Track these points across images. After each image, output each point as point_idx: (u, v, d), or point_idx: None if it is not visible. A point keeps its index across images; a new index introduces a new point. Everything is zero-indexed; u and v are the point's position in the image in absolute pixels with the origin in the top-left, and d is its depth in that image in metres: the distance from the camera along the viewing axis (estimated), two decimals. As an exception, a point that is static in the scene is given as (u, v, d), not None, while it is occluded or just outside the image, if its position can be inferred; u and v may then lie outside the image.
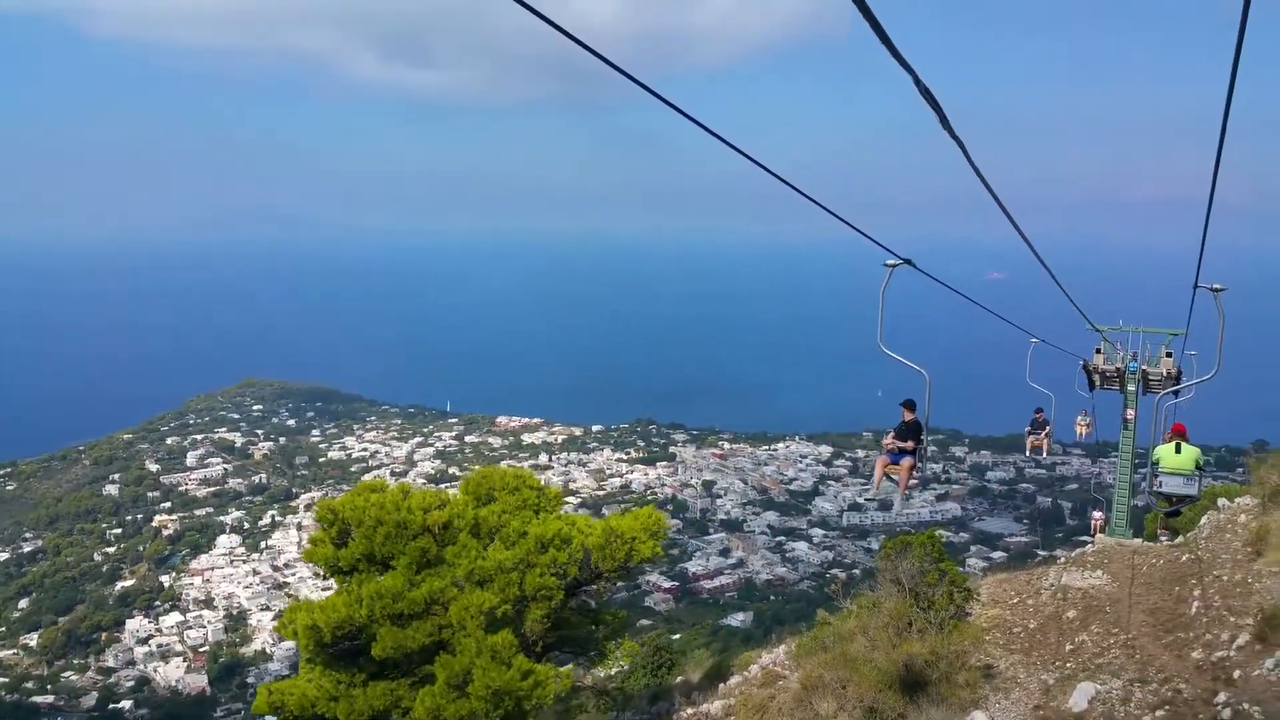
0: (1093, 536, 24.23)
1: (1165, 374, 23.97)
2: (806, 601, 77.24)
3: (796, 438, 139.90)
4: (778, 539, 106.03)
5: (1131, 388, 23.78)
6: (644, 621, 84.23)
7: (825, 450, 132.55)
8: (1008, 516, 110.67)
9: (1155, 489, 19.22)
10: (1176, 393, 23.16)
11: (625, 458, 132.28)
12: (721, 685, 17.61)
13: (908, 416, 16.12)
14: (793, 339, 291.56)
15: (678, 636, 78.65)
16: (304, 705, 13.61)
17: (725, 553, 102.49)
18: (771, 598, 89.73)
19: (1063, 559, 19.86)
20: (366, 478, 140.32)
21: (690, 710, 17.16)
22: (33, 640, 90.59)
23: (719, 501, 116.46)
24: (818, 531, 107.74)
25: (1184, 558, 16.73)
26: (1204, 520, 18.36)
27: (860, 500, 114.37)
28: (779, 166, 6.91)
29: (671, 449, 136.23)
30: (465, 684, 13.20)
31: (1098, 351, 24.56)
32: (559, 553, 14.94)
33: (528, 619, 14.67)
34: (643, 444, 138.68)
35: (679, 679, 21.43)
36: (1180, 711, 12.21)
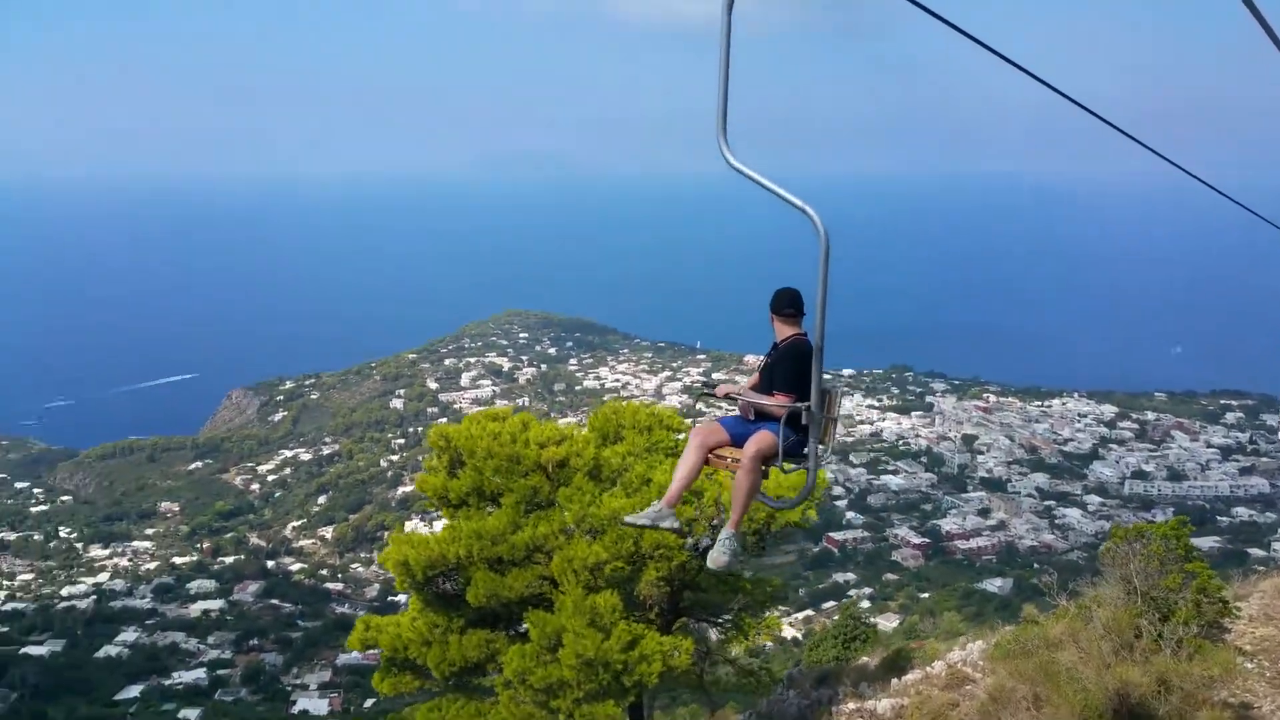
0: None
1: None
2: (1074, 573, 69.91)
3: (1075, 394, 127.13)
4: (1046, 503, 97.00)
5: None
6: (889, 576, 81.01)
7: (1108, 410, 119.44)
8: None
9: None
10: None
11: (877, 405, 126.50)
12: (895, 680, 14.87)
13: (787, 332, 7.06)
14: (1080, 284, 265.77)
15: (926, 596, 74.58)
16: (395, 647, 12.60)
17: (984, 513, 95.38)
18: (1034, 565, 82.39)
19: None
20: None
21: (854, 705, 14.62)
22: (328, 533, 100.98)
23: (980, 458, 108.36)
24: (1094, 499, 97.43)
25: None
26: None
27: (1145, 468, 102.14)
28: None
29: (929, 398, 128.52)
30: (557, 647, 11.59)
31: None
32: (685, 506, 12.82)
33: (642, 579, 12.78)
34: (897, 391, 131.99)
35: (863, 659, 18.84)
36: None
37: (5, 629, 74.48)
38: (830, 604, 71.85)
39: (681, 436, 14.75)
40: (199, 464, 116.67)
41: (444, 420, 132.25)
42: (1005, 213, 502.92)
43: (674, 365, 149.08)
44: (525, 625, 12.13)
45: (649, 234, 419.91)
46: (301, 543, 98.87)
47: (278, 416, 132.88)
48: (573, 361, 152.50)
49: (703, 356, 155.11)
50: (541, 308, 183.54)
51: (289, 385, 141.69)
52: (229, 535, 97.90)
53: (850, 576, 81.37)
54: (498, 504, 13.04)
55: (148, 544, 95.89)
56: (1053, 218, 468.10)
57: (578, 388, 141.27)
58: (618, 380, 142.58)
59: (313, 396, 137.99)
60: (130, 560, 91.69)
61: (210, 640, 75.34)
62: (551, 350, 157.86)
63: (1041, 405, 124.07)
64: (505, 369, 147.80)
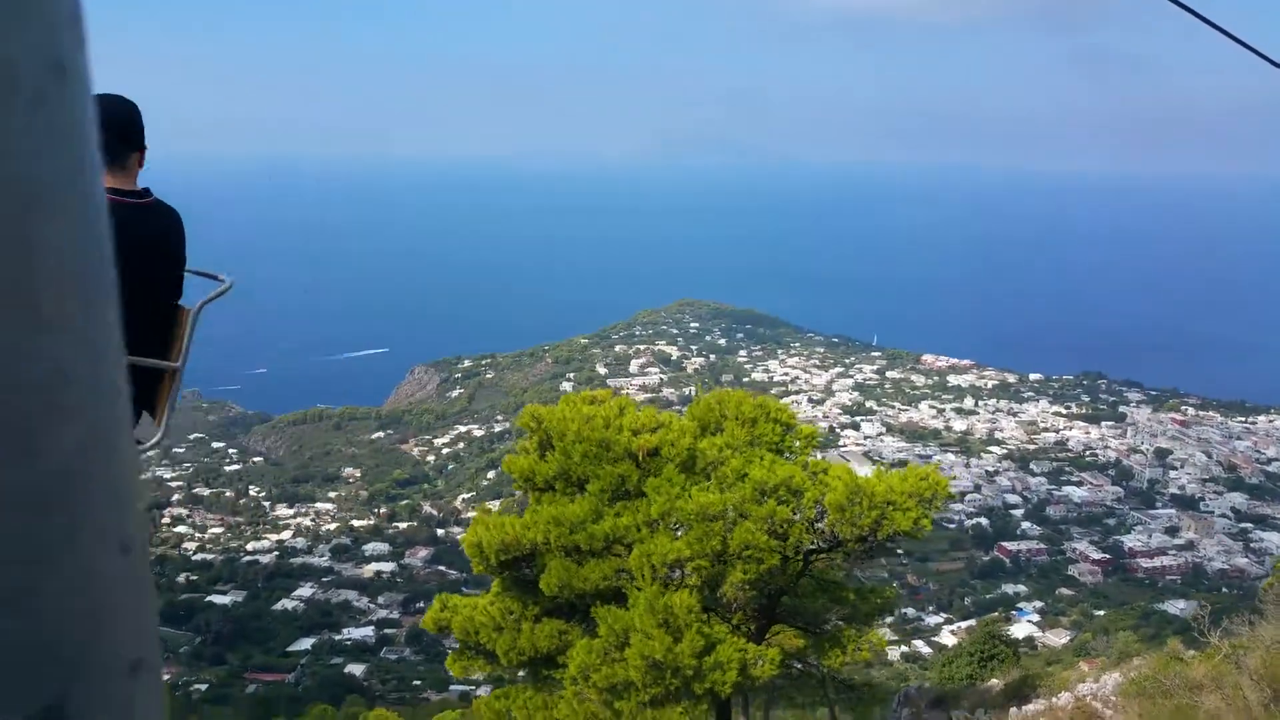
0: None
1: None
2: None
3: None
4: (1242, 525, 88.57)
5: None
6: (1063, 590, 77.13)
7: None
8: None
9: None
10: None
11: (1064, 412, 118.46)
12: (1015, 710, 13.33)
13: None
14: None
15: (1101, 613, 70.19)
16: (467, 631, 12.27)
17: (1172, 531, 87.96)
18: (1224, 589, 75.27)
19: None
20: (784, 400, 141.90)
21: (969, 732, 13.22)
22: (494, 506, 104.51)
23: (1172, 474, 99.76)
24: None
25: None
26: None
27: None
28: None
29: (1122, 408, 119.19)
30: (625, 646, 10.90)
31: None
32: (782, 507, 11.81)
33: (727, 581, 11.87)
34: (1087, 399, 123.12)
35: (992, 681, 17.14)
36: None
37: (195, 578, 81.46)
38: (994, 615, 68.57)
39: (791, 431, 13.68)
40: (380, 434, 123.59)
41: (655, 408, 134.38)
42: (1223, 216, 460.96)
43: (847, 361, 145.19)
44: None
45: (830, 224, 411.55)
46: (470, 514, 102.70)
47: (455, 393, 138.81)
48: (742, 353, 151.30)
49: (878, 354, 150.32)
50: (715, 298, 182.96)
51: (467, 364, 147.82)
52: (404, 503, 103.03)
53: (1021, 588, 77.80)
54: (585, 490, 12.47)
55: (329, 506, 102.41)
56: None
57: (745, 379, 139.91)
58: (786, 374, 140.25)
59: (488, 376, 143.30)
60: (312, 520, 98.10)
61: (380, 600, 79.61)
62: (721, 341, 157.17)
63: (1245, 421, 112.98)
64: (674, 358, 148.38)
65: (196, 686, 64.07)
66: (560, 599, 11.90)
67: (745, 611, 12.54)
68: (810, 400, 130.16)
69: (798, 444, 13.35)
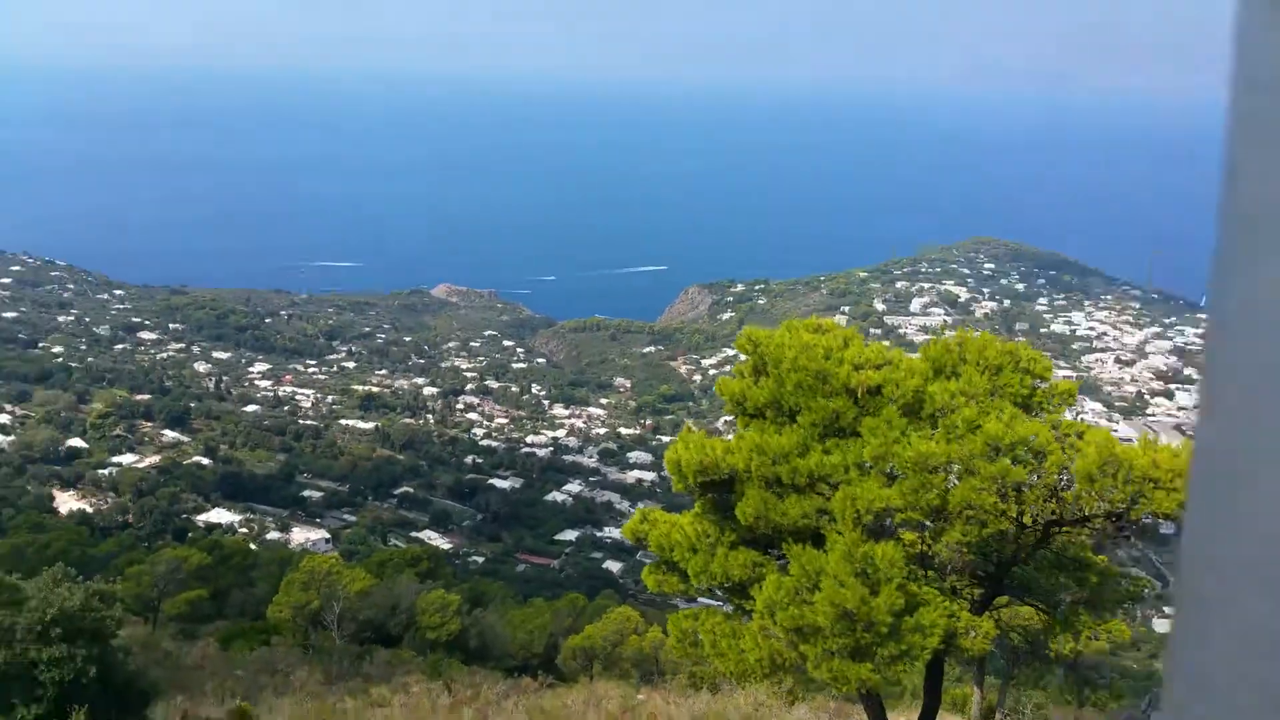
0: None
1: None
2: None
3: None
4: None
5: None
6: None
7: None
8: None
9: None
10: None
11: None
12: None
13: None
14: None
15: None
16: (661, 547, 12.03)
17: None
18: None
19: None
20: (1088, 358, 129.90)
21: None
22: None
23: None
24: None
25: None
26: None
27: None
28: None
29: None
30: (816, 589, 10.17)
31: None
32: (1017, 467, 10.41)
33: (941, 540, 10.72)
34: None
35: None
36: None
37: (480, 461, 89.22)
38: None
39: (1044, 385, 12.03)
40: (652, 349, 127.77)
41: (887, 344, 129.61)
42: None
43: (1166, 320, 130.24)
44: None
45: (1165, 168, 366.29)
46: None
47: (725, 315, 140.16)
48: (1041, 300, 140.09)
49: (1205, 316, 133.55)
50: (1015, 237, 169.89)
51: (739, 288, 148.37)
52: (668, 417, 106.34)
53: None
54: (795, 422, 11.70)
55: (600, 411, 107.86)
56: None
57: (1043, 330, 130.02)
58: (1091, 328, 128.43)
59: (760, 302, 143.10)
60: (584, 422, 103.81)
61: (641, 505, 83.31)
62: (1019, 286, 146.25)
63: None
64: (961, 299, 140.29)
65: (474, 559, 70.79)
66: (756, 530, 11.34)
67: (965, 576, 11.35)
68: (1118, 361, 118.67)
69: (1052, 400, 11.69)
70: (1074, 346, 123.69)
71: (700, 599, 16.50)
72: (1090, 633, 11.50)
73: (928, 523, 10.82)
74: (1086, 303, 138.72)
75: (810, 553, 10.45)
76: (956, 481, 10.68)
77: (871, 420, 11.18)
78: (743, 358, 12.81)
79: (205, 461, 78.66)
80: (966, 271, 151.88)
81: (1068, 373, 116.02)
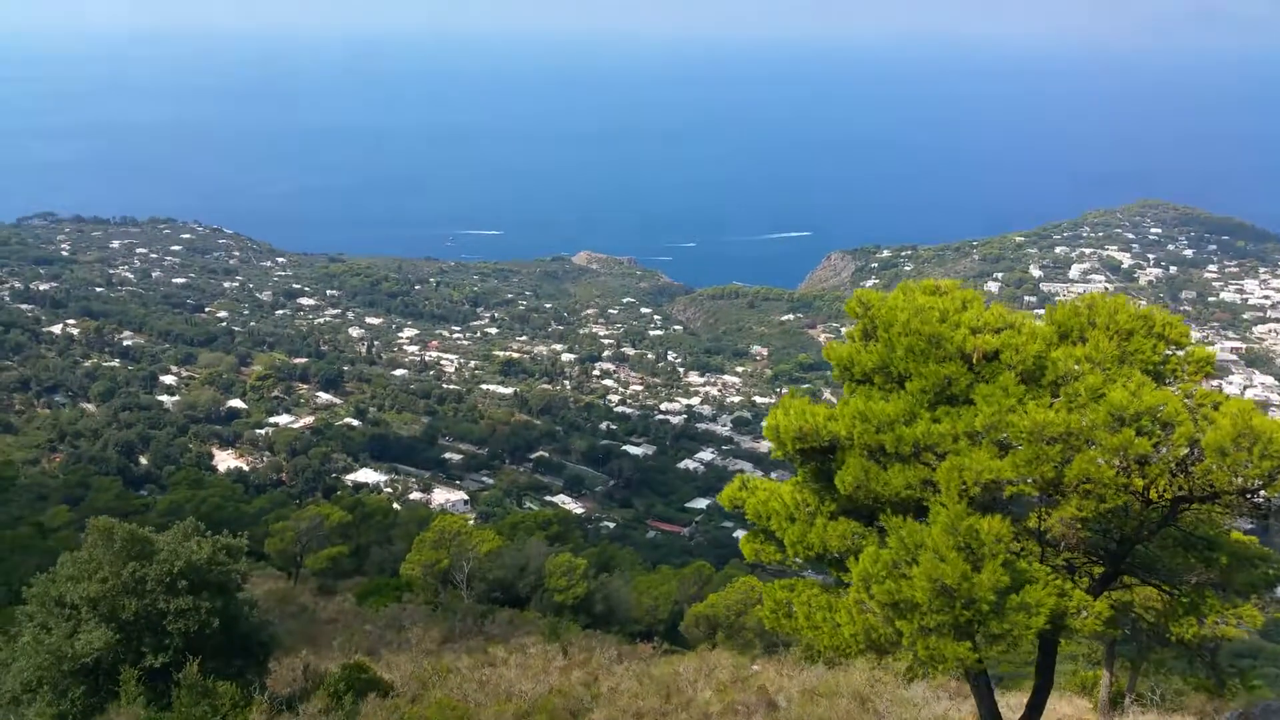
0: None
1: None
2: None
3: None
4: None
5: None
6: None
7: None
8: None
9: None
10: None
11: None
12: None
13: None
14: None
15: None
16: (758, 515, 11.75)
17: None
18: None
19: None
20: (1260, 329, 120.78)
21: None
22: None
23: None
24: None
25: None
26: None
27: None
28: None
29: None
30: (914, 563, 9.72)
31: None
32: (1142, 439, 9.63)
33: (1054, 514, 10.04)
34: None
35: None
36: None
37: (614, 427, 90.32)
38: None
39: (1180, 353, 11.07)
40: (790, 316, 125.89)
41: (1038, 314, 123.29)
42: None
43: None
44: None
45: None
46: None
47: (870, 282, 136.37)
48: (1212, 268, 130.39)
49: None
50: (1185, 201, 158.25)
51: (885, 254, 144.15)
52: (805, 386, 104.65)
53: None
54: (904, 388, 11.18)
55: (735, 379, 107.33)
56: None
57: (1211, 299, 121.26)
58: (1267, 297, 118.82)
59: (906, 269, 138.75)
60: (719, 390, 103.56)
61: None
62: (1188, 252, 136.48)
63: None
64: (1125, 265, 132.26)
65: (605, 524, 71.98)
66: (856, 500, 10.93)
67: (1081, 554, 10.61)
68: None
69: (1186, 369, 10.74)
70: (1245, 316, 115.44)
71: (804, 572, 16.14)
72: (1217, 617, 10.59)
73: (1039, 496, 10.17)
74: (1262, 270, 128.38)
75: (911, 525, 10.00)
76: (1074, 454, 9.99)
77: (985, 387, 10.58)
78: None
79: (355, 423, 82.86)
80: (1131, 236, 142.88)
81: (1237, 344, 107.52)
